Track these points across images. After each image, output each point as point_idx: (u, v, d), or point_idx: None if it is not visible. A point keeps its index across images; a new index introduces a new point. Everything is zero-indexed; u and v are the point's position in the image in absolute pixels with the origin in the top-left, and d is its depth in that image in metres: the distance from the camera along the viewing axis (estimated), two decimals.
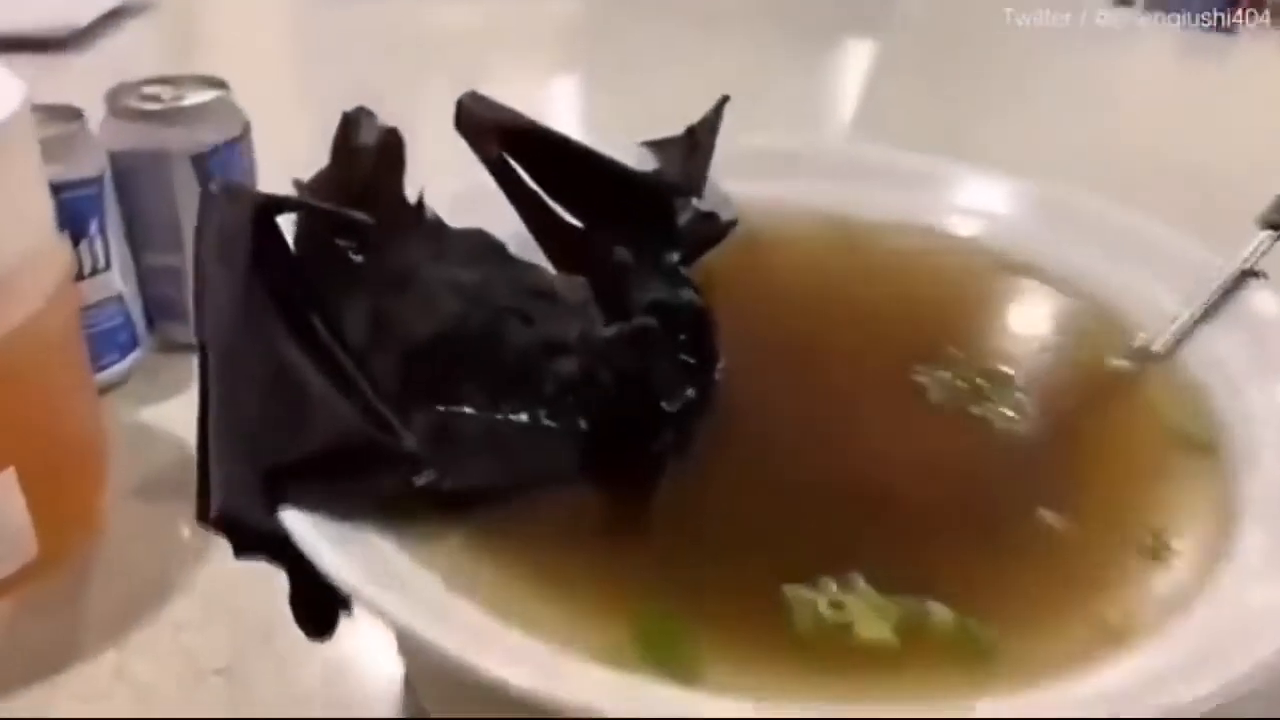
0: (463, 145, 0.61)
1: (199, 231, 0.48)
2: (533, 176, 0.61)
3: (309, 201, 0.50)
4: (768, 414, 0.57)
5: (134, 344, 0.79)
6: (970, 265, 0.70)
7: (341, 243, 0.51)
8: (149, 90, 0.74)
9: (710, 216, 0.65)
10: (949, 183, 0.73)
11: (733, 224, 0.66)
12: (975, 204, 0.72)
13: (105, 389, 0.77)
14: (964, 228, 0.72)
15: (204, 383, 0.46)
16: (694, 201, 0.64)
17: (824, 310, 0.66)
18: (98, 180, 0.70)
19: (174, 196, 0.78)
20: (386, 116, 0.54)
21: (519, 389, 0.52)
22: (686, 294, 0.57)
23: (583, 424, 0.52)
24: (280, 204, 0.49)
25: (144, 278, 0.81)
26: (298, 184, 0.56)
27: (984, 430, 0.55)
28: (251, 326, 0.46)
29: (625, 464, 0.53)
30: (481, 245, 0.56)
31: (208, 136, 0.78)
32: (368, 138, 0.54)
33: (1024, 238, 0.69)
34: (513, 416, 0.52)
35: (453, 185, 0.63)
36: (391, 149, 0.55)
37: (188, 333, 0.82)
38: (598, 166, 0.62)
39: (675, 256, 0.63)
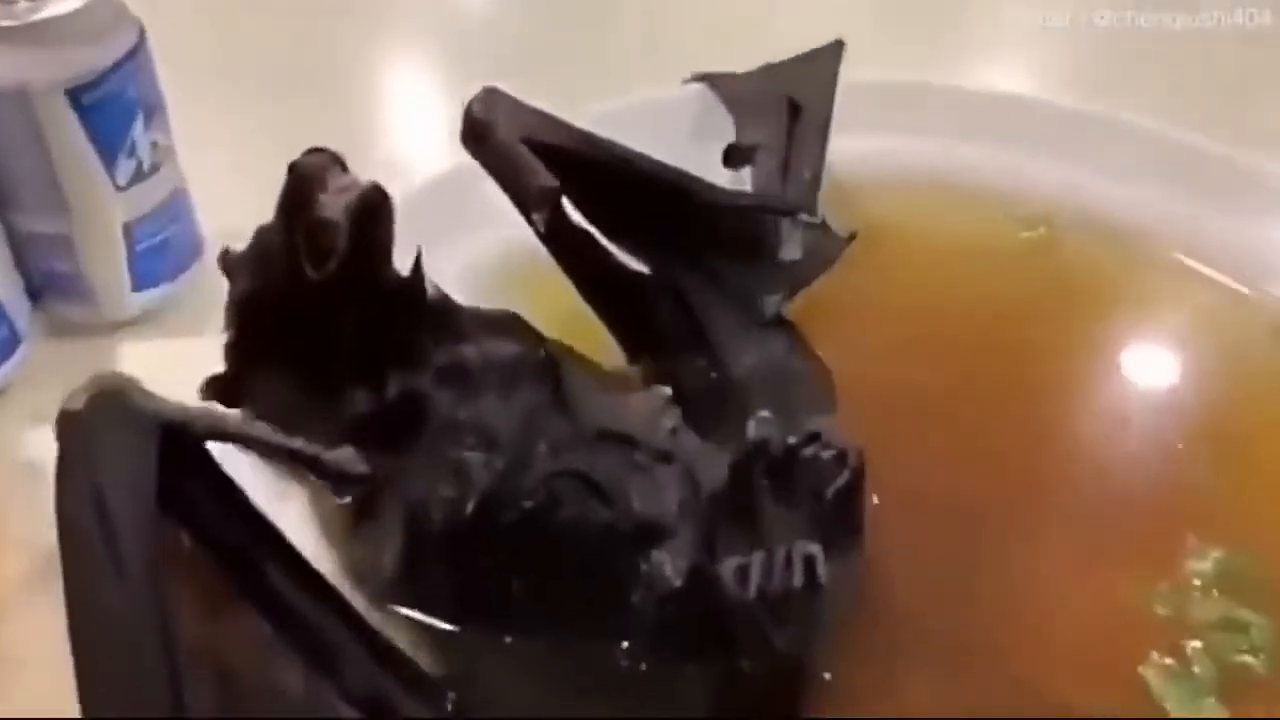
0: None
1: (62, 484, 0.28)
2: (581, 209, 0.41)
3: (256, 436, 0.30)
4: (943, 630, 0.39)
5: (14, 341, 0.59)
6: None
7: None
8: None
9: (822, 232, 0.46)
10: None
11: (852, 238, 0.47)
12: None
13: None
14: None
15: None
16: (802, 218, 0.45)
17: (981, 376, 0.47)
18: None
19: (46, 144, 0.56)
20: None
21: (590, 609, 0.35)
22: (815, 423, 0.38)
23: (692, 668, 0.35)
24: (201, 428, 0.29)
25: (19, 249, 0.59)
26: (228, 263, 0.36)
27: None
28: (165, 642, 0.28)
29: None
30: (516, 354, 0.37)
31: (86, 58, 0.55)
32: (334, 204, 0.34)
33: None
34: (583, 650, 0.35)
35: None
36: (374, 217, 0.35)
37: (85, 311, 0.62)
38: (668, 188, 0.42)
39: (776, 301, 0.44)
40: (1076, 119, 0.54)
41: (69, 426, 0.29)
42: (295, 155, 0.36)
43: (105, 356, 0.62)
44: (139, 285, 0.62)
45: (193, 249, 0.64)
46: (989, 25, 0.75)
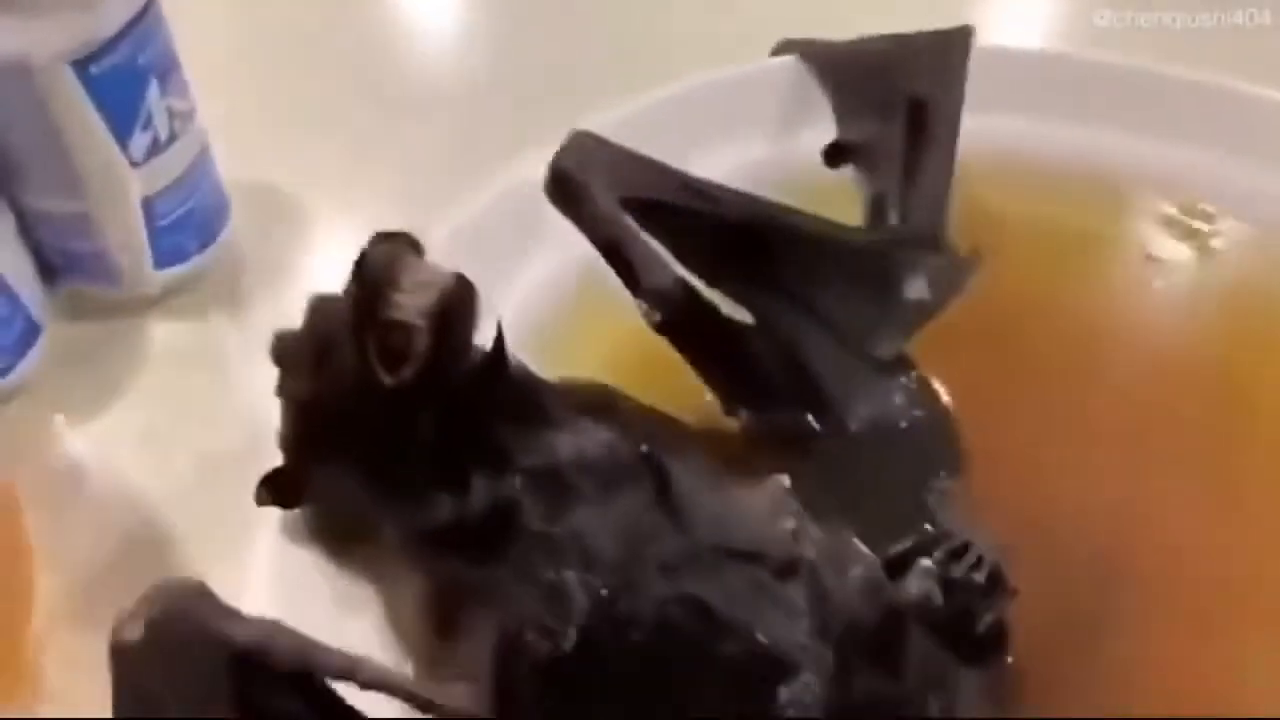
0: None
1: None
2: (680, 259, 0.36)
3: (356, 674, 0.26)
4: None
5: (34, 331, 0.54)
6: None
7: None
8: None
9: (953, 270, 0.40)
10: None
11: (978, 259, 0.41)
12: None
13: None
14: None
15: None
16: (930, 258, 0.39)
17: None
18: None
19: (52, 120, 0.50)
20: None
21: None
22: (956, 521, 0.34)
23: None
24: (285, 659, 0.24)
25: (34, 230, 0.54)
26: (282, 353, 0.31)
27: None
28: None
29: None
30: (613, 451, 0.33)
31: (90, 25, 0.48)
32: (411, 304, 0.29)
33: None
34: None
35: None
36: (457, 318, 0.30)
37: (107, 291, 0.57)
38: (781, 231, 0.36)
39: (896, 341, 0.39)
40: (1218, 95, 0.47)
41: (124, 662, 0.24)
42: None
43: (131, 339, 0.58)
44: (162, 262, 0.56)
45: (218, 217, 0.58)
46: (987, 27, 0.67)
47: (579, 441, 0.33)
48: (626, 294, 0.37)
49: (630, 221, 0.34)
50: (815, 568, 0.33)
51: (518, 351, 0.33)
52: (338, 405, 0.32)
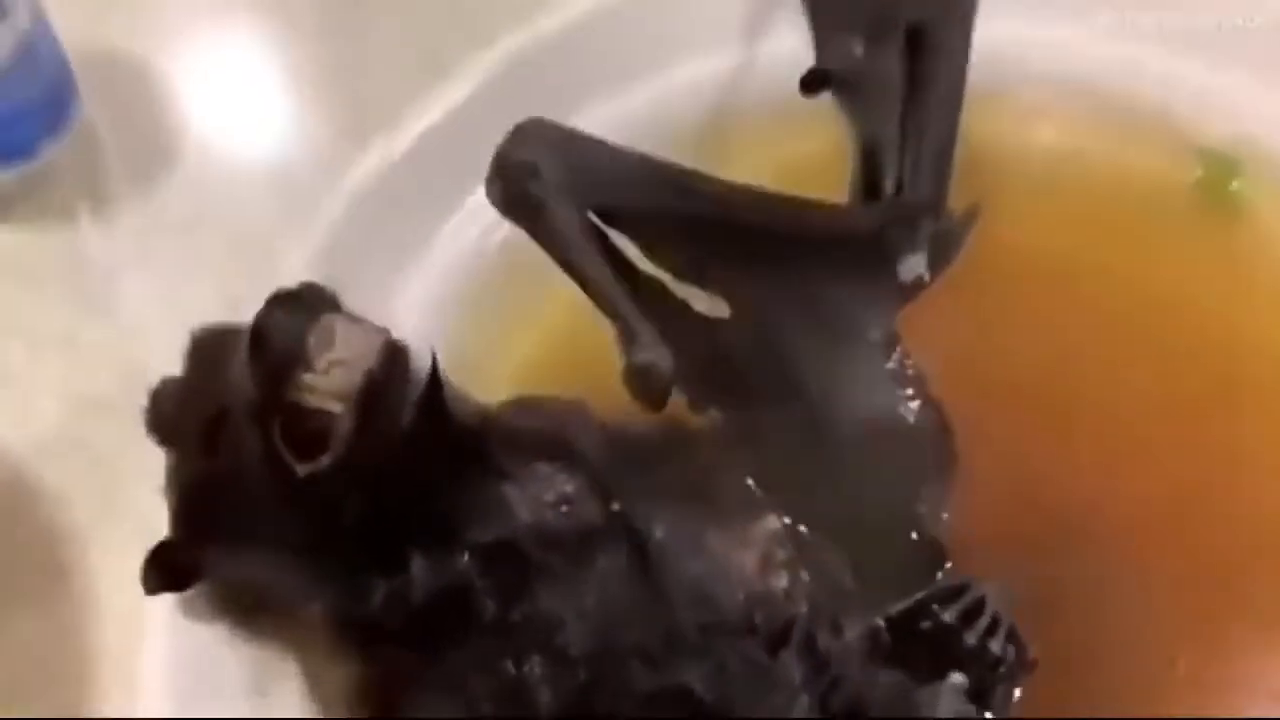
0: None
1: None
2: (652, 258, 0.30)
3: None
4: None
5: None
6: None
7: None
8: None
9: (952, 235, 0.34)
10: None
11: (974, 216, 0.35)
12: None
13: None
14: None
15: None
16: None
17: None
18: None
19: None
20: None
21: None
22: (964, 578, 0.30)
23: None
24: None
25: None
26: (159, 425, 0.25)
27: None
28: None
29: None
30: (580, 514, 0.28)
31: None
32: (328, 386, 0.23)
33: None
34: None
35: None
36: (386, 397, 0.24)
37: None
38: (762, 222, 0.30)
39: (885, 322, 0.34)
40: None
41: None
42: None
43: None
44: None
45: (61, 105, 0.49)
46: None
47: (537, 501, 0.28)
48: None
49: (594, 251, 0.28)
50: (810, 631, 0.29)
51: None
52: (238, 486, 0.26)
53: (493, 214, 0.37)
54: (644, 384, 0.28)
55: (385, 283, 0.37)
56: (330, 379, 0.24)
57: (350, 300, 0.37)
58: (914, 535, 0.33)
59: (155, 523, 0.43)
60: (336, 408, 0.24)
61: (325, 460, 0.24)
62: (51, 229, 0.49)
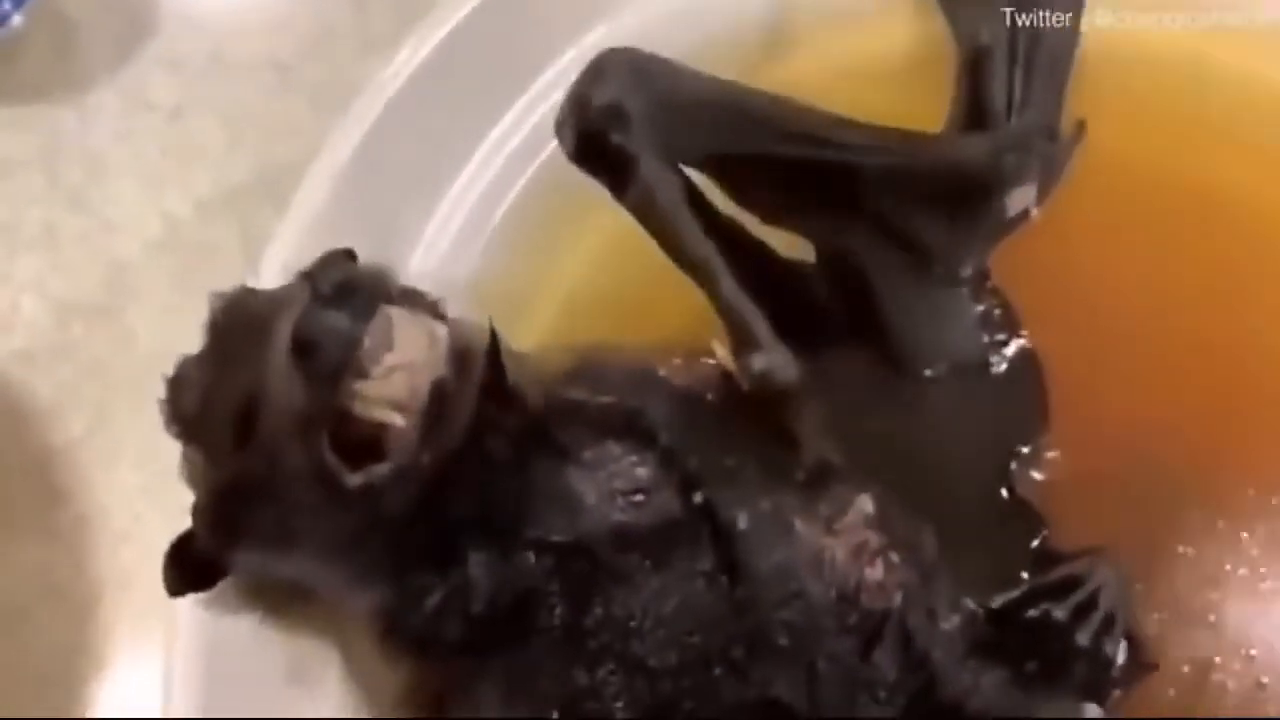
0: None
1: None
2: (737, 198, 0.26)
3: None
4: None
5: None
6: None
7: None
8: None
9: (1059, 159, 0.30)
10: None
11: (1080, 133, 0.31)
12: None
13: None
14: None
15: None
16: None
17: None
18: None
19: None
20: None
21: None
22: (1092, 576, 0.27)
23: None
24: None
25: None
26: (184, 427, 0.22)
27: None
28: None
29: None
30: (657, 507, 0.25)
31: None
32: (385, 393, 0.20)
33: None
34: None
35: None
36: (460, 403, 0.21)
37: None
38: (857, 158, 0.26)
39: (981, 260, 0.30)
40: None
41: None
42: None
43: None
44: None
45: None
46: None
47: (609, 490, 0.24)
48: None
49: (689, 217, 0.23)
50: (907, 626, 0.26)
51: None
52: (273, 484, 0.22)
53: (535, 128, 0.33)
54: (763, 390, 0.24)
55: (410, 203, 0.33)
56: (390, 386, 0.20)
57: (370, 223, 0.33)
58: (1005, 496, 0.30)
59: (151, 436, 0.41)
60: (397, 420, 0.20)
61: (382, 471, 0.21)
62: (23, 115, 0.44)
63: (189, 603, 0.26)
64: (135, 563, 0.39)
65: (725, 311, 0.24)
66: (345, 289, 0.20)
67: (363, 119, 0.32)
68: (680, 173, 0.24)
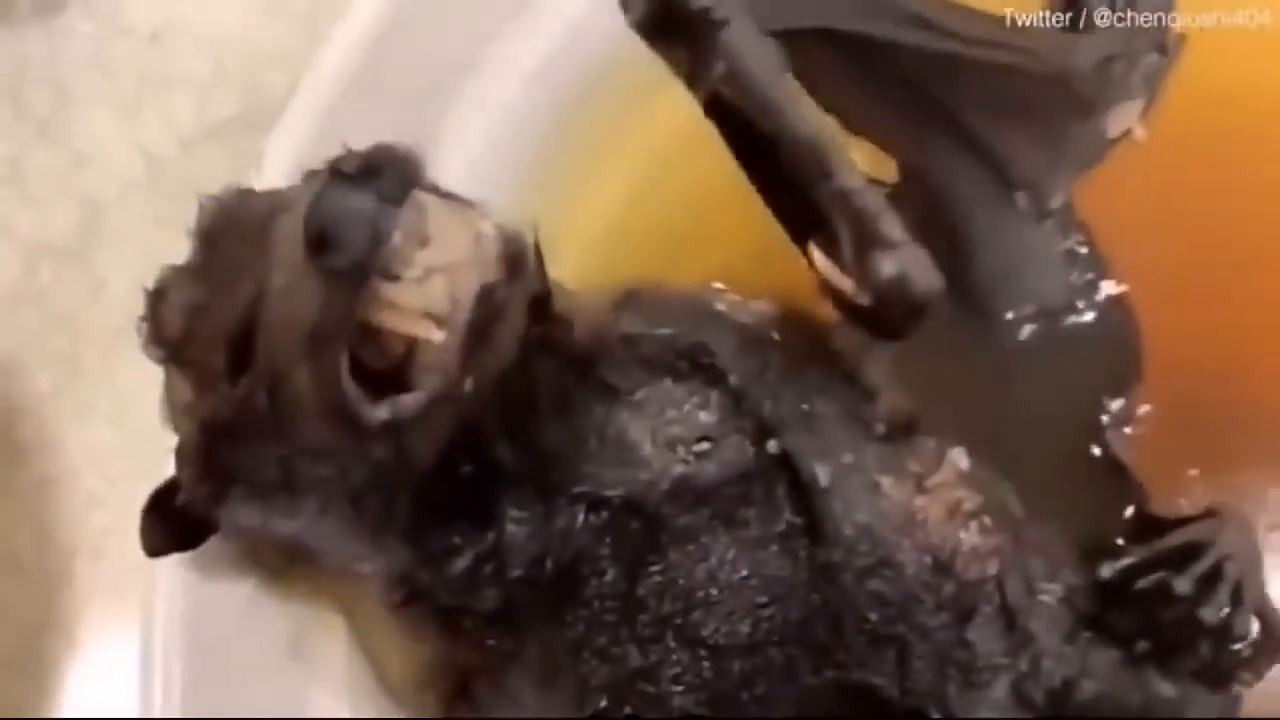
0: None
1: None
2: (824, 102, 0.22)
3: None
4: None
5: None
6: None
7: None
8: None
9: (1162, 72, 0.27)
10: None
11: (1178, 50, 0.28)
12: None
13: None
14: None
15: None
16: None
17: None
18: None
19: None
20: None
21: None
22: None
23: None
24: None
25: None
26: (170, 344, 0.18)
27: None
28: None
29: None
30: (718, 434, 0.21)
31: None
32: (419, 300, 0.16)
33: None
34: None
35: None
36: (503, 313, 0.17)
37: None
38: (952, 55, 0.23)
39: (1069, 189, 0.27)
40: None
41: None
42: None
43: None
44: None
45: None
46: None
47: (668, 437, 0.21)
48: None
49: (808, 100, 0.20)
50: (1009, 600, 0.22)
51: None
52: (272, 419, 0.18)
53: (569, 21, 0.29)
54: (897, 303, 0.20)
55: (420, 123, 0.29)
56: (426, 292, 0.17)
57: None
58: (1096, 454, 0.27)
59: (124, 389, 0.38)
60: (434, 334, 0.17)
61: (412, 403, 0.17)
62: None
63: (171, 566, 0.23)
64: (108, 529, 0.36)
65: (841, 204, 0.20)
66: (370, 167, 0.17)
67: (359, 25, 0.28)
68: (780, 49, 0.20)
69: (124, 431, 0.37)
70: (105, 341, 0.38)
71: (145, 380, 0.23)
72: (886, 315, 0.21)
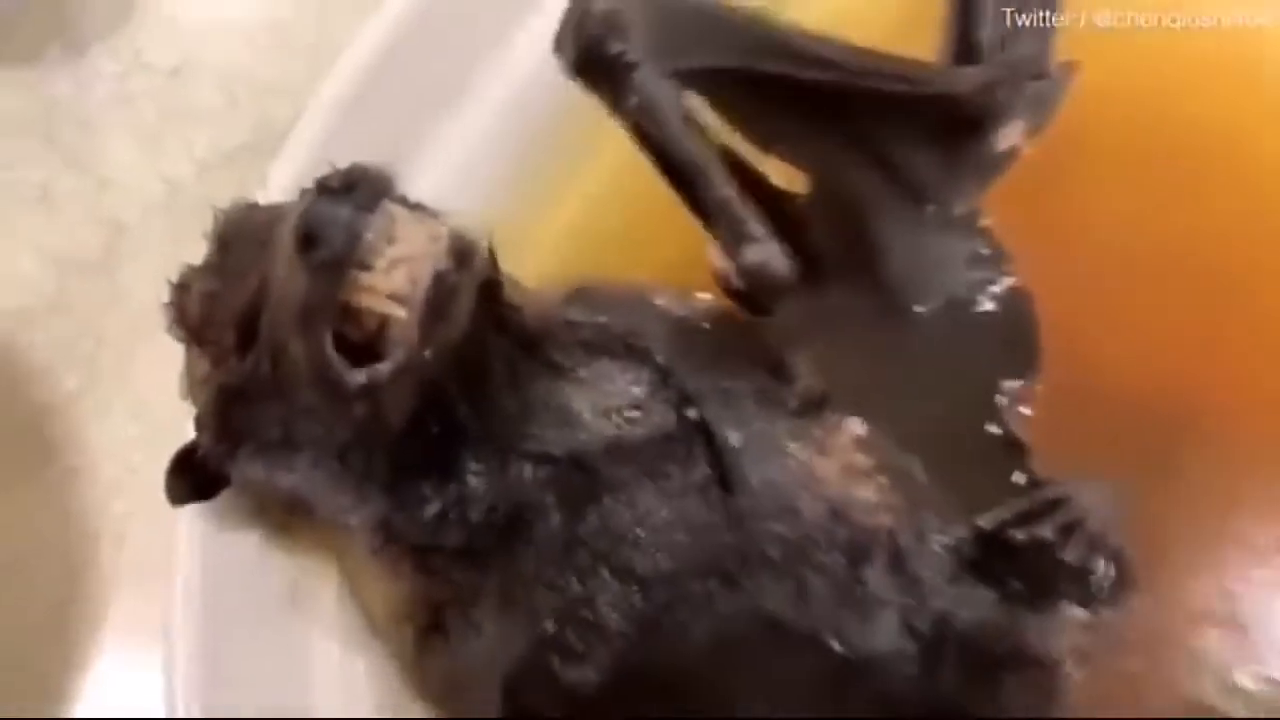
0: None
1: None
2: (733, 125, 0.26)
3: None
4: None
5: None
6: None
7: None
8: None
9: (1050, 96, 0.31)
10: None
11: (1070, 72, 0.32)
12: None
13: None
14: None
15: None
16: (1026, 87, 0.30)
17: None
18: None
19: None
20: None
21: None
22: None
23: None
24: None
25: None
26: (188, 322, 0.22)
27: None
28: None
29: None
30: (646, 404, 0.25)
31: None
32: (388, 286, 0.20)
33: None
34: None
35: None
36: (456, 296, 0.21)
37: None
38: (853, 84, 0.27)
39: (970, 200, 0.31)
40: None
41: None
42: None
43: None
44: None
45: None
46: None
47: (604, 405, 0.25)
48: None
49: (687, 132, 0.24)
50: (899, 545, 0.26)
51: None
52: (275, 388, 0.22)
53: (537, 59, 0.33)
54: (758, 285, 0.25)
55: (408, 138, 0.33)
56: (392, 279, 0.21)
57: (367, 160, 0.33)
58: (992, 430, 0.31)
59: (143, 389, 0.41)
60: (399, 311, 0.21)
61: (384, 369, 0.21)
62: (19, 75, 0.45)
63: (190, 523, 0.27)
64: (129, 514, 0.39)
65: (718, 210, 0.24)
66: (348, 183, 0.21)
67: (356, 60, 0.32)
68: (679, 87, 0.25)
69: (143, 426, 0.40)
70: (127, 346, 0.41)
71: (161, 381, 0.27)
72: (754, 294, 0.25)
